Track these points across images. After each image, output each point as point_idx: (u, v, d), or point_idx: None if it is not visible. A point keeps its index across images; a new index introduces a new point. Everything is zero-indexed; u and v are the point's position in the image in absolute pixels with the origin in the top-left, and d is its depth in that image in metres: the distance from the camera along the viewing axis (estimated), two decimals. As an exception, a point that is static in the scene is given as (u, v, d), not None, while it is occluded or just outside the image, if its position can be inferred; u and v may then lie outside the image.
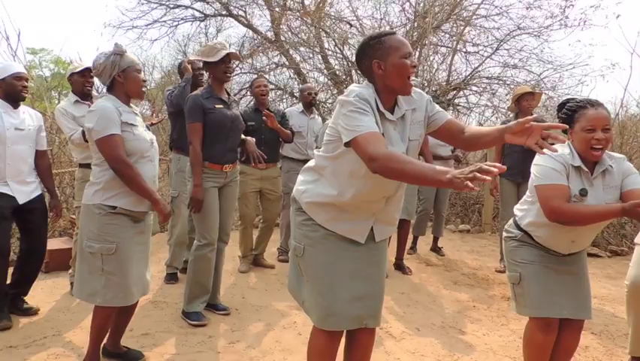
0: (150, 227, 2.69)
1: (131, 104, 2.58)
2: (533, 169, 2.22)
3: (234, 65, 9.57)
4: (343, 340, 2.16)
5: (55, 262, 4.37)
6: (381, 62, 1.83)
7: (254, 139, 3.55)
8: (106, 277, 2.42)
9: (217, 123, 3.24)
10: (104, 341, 2.67)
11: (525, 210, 2.34)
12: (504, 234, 2.47)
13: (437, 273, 4.84)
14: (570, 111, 2.18)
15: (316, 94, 4.91)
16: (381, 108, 1.85)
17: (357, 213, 1.96)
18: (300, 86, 6.13)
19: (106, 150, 2.39)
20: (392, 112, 1.90)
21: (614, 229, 6.08)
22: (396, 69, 1.81)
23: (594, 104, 2.14)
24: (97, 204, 2.43)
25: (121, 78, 2.47)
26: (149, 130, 2.65)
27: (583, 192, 2.12)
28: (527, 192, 2.35)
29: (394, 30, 1.95)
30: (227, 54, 3.19)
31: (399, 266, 4.82)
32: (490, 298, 4.12)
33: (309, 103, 4.96)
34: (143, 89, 2.57)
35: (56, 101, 10.08)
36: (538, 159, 2.22)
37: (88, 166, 2.56)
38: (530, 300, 2.26)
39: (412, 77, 1.85)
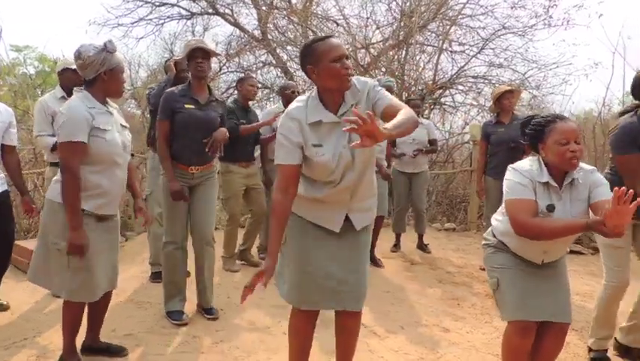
0: (118, 225, 2.67)
1: (109, 102, 2.55)
2: (504, 183, 2.26)
3: (222, 64, 9.63)
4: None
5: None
6: (314, 67, 1.97)
7: (225, 130, 3.38)
8: (72, 273, 2.42)
9: (183, 124, 3.19)
10: (83, 339, 2.68)
11: (499, 221, 2.38)
12: (482, 241, 2.52)
13: (422, 271, 4.87)
14: (539, 127, 2.21)
15: (299, 92, 4.90)
16: (316, 116, 2.00)
17: (328, 205, 2.12)
18: (281, 84, 6.08)
19: (63, 154, 2.37)
20: (337, 110, 2.02)
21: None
22: (327, 72, 1.94)
23: (562, 117, 2.20)
24: (62, 203, 2.39)
25: (106, 76, 2.43)
26: (126, 129, 2.62)
27: (550, 208, 2.15)
28: (503, 204, 2.36)
29: (330, 35, 2.15)
30: (195, 49, 3.16)
31: (372, 260, 4.84)
32: (474, 295, 4.15)
33: (291, 101, 4.93)
34: (123, 91, 2.56)
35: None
36: (507, 174, 2.26)
37: (58, 165, 2.54)
38: (508, 304, 2.28)
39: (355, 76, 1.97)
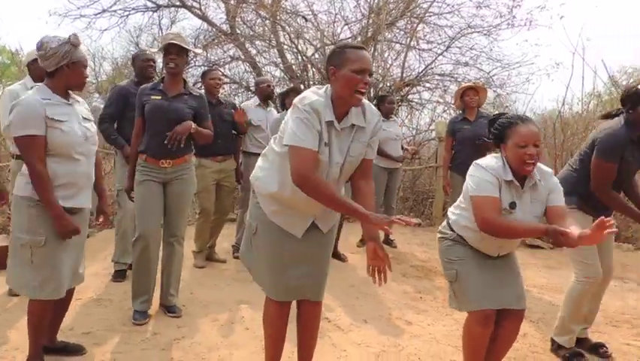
0: (87, 219, 2.63)
1: (72, 95, 2.50)
2: (468, 179, 2.32)
3: (190, 58, 9.47)
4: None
5: (-7, 260, 4.18)
6: (336, 69, 1.99)
7: (190, 123, 3.25)
8: (35, 269, 2.36)
9: (149, 115, 3.17)
10: None
11: (458, 215, 2.43)
12: (438, 235, 2.57)
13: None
14: (501, 127, 2.29)
15: (274, 86, 4.88)
16: (330, 117, 2.00)
17: (298, 210, 2.16)
18: (256, 79, 6.07)
19: (21, 149, 2.33)
20: (341, 120, 2.05)
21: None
22: (345, 79, 1.96)
23: (525, 120, 2.26)
24: (27, 196, 2.36)
25: (69, 69, 2.39)
26: (89, 121, 2.57)
27: (512, 206, 2.23)
28: (461, 197, 2.43)
29: (361, 44, 2.11)
30: (168, 44, 3.12)
31: (334, 254, 4.88)
32: (436, 289, 4.23)
33: (268, 96, 4.91)
34: (84, 85, 2.52)
35: (-1, 92, 9.64)
36: (473, 170, 2.31)
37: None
38: (468, 295, 2.35)
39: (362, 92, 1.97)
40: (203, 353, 2.85)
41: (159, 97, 3.19)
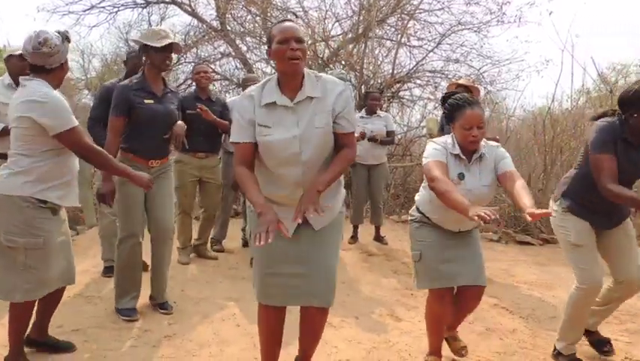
0: (65, 214, 2.60)
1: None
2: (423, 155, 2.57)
3: (180, 55, 9.41)
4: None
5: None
6: (269, 49, 2.05)
7: (183, 123, 3.36)
8: (28, 272, 2.33)
9: (145, 120, 3.12)
10: (28, 331, 2.59)
11: (421, 194, 2.65)
12: (408, 218, 2.77)
13: (378, 262, 4.94)
14: (451, 108, 2.49)
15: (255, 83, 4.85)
16: (270, 98, 2.04)
17: (283, 208, 2.08)
18: (244, 76, 6.06)
19: (74, 143, 2.36)
20: (294, 96, 2.05)
21: (546, 219, 6.38)
22: (275, 53, 2.01)
23: (471, 103, 2.44)
24: (24, 196, 2.31)
25: (63, 66, 2.42)
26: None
27: (460, 176, 2.45)
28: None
29: (288, 19, 2.23)
30: (171, 44, 3.08)
31: None
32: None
33: None
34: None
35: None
36: (426, 147, 2.58)
37: (3, 157, 2.45)
38: (429, 274, 2.57)
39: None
40: (194, 350, 2.84)
41: (151, 100, 3.15)
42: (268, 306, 2.21)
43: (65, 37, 2.39)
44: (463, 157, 2.45)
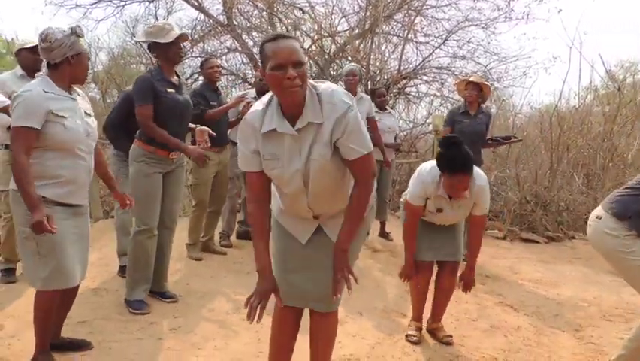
0: (87, 213, 2.60)
1: (74, 88, 2.48)
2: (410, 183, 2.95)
3: (187, 49, 9.42)
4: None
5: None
6: (263, 70, 1.77)
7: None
8: (43, 261, 2.35)
9: (168, 109, 3.14)
10: None
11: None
12: (401, 206, 3.15)
13: (383, 258, 4.94)
14: (448, 163, 2.68)
15: None
16: (271, 125, 1.80)
17: (296, 217, 2.04)
18: (255, 72, 6.09)
19: (13, 138, 2.28)
20: (295, 121, 1.79)
21: (552, 216, 6.38)
22: (269, 80, 1.74)
23: (464, 169, 2.63)
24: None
25: (73, 60, 2.37)
26: (90, 116, 2.54)
27: (439, 210, 2.88)
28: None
29: (281, 34, 1.80)
30: (181, 35, 3.13)
31: None
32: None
33: (266, 91, 4.89)
34: (86, 77, 2.53)
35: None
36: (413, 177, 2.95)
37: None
38: (419, 250, 2.99)
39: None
40: (199, 343, 2.86)
41: (173, 90, 3.20)
42: (286, 307, 2.07)
43: (73, 32, 2.36)
44: (446, 197, 2.75)
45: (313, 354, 2.23)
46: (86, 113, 2.50)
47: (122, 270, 3.86)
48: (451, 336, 3.06)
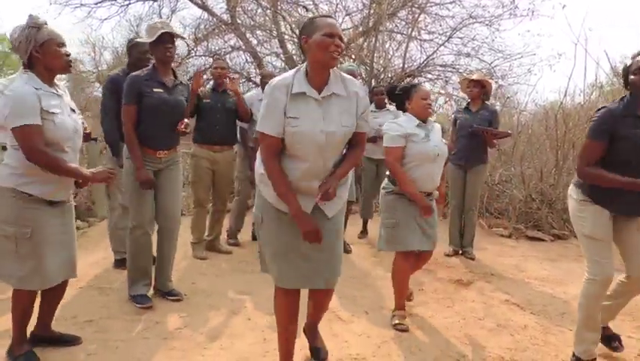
0: (71, 209, 2.59)
1: (57, 85, 2.44)
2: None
3: (190, 48, 9.42)
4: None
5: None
6: (307, 37, 2.09)
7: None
8: (21, 260, 2.34)
9: (153, 108, 3.16)
10: (34, 327, 2.61)
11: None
12: (382, 191, 3.26)
13: (388, 257, 4.86)
14: (405, 89, 3.22)
15: None
16: (301, 88, 2.10)
17: (298, 194, 2.18)
18: (262, 72, 6.06)
19: (21, 140, 2.25)
20: (321, 89, 2.14)
21: (558, 214, 6.34)
22: (318, 43, 2.06)
23: (416, 85, 3.25)
24: (11, 187, 2.31)
25: (39, 54, 2.29)
26: (76, 113, 2.52)
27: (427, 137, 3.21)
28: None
29: (330, 14, 2.31)
30: (164, 33, 3.10)
31: None
32: (437, 281, 4.23)
33: None
34: (70, 64, 2.41)
35: (-2, 81, 9.58)
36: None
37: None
38: (400, 239, 3.13)
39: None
40: (204, 343, 2.85)
41: (161, 90, 3.19)
42: (283, 290, 2.31)
43: (28, 25, 2.27)
44: (420, 122, 3.14)
45: (314, 313, 2.62)
46: (71, 109, 2.48)
47: (117, 263, 4.04)
48: (411, 292, 3.63)
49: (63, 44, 2.37)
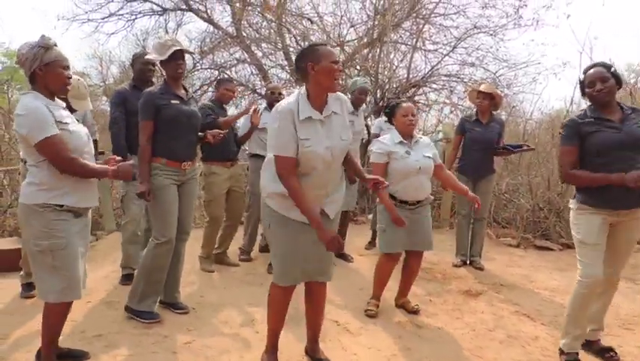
0: (89, 223, 2.62)
1: (55, 99, 2.47)
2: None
3: (196, 61, 9.51)
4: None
5: (4, 263, 4.21)
6: (314, 64, 2.32)
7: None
8: (58, 273, 2.37)
9: (172, 118, 3.19)
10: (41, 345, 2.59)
11: (388, 178, 3.36)
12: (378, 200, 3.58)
13: (396, 268, 4.88)
14: (392, 107, 3.54)
15: (280, 93, 4.88)
16: (307, 113, 2.35)
17: (316, 194, 2.45)
18: (268, 85, 6.11)
19: (48, 153, 2.29)
20: (322, 110, 2.41)
21: (566, 223, 6.29)
22: (327, 70, 2.32)
23: (404, 101, 3.58)
24: (40, 203, 2.34)
25: (41, 72, 2.34)
26: (79, 122, 2.58)
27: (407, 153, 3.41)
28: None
29: (325, 43, 2.68)
30: (177, 51, 3.15)
31: (341, 255, 4.91)
32: (446, 292, 4.21)
33: (275, 100, 4.91)
34: (68, 87, 2.46)
35: (7, 96, 9.68)
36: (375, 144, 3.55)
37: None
38: (386, 242, 3.48)
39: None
40: (213, 356, 2.84)
41: (177, 101, 3.23)
42: (284, 288, 2.56)
43: (38, 44, 2.32)
44: (406, 141, 3.43)
45: (313, 319, 2.79)
46: (76, 120, 2.55)
47: (123, 278, 4.05)
48: (417, 305, 3.71)
49: (67, 67, 2.44)
